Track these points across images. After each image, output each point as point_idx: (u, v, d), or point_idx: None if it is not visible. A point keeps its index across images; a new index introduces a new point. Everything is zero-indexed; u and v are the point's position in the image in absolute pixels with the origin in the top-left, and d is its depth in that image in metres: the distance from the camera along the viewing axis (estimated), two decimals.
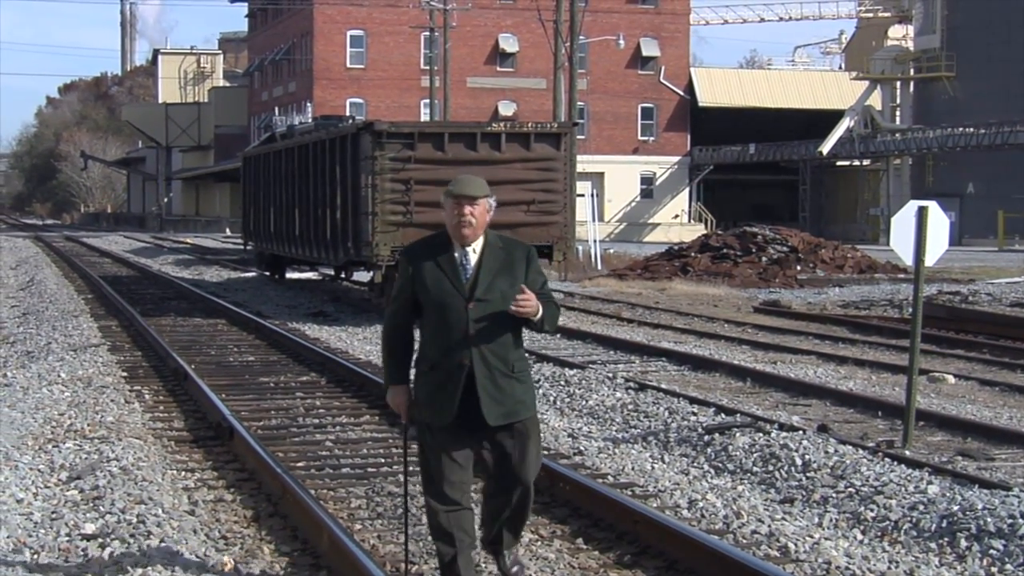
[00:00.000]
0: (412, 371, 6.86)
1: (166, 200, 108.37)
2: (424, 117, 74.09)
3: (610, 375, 15.54)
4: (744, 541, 8.39)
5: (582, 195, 41.82)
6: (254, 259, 38.34)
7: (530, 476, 6.76)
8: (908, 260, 11.82)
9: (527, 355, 7.02)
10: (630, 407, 13.30)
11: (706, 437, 11.53)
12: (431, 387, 6.66)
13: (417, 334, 6.83)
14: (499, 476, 6.76)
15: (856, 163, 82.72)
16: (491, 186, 22.55)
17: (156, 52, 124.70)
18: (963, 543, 8.29)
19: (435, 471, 6.67)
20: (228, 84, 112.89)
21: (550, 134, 23.31)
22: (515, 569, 7.07)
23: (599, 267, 40.66)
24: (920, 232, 11.55)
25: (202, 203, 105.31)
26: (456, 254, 6.63)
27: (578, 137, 55.81)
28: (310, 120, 47.86)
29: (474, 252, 6.63)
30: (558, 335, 20.25)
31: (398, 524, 8.86)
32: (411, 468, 7.95)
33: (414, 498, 8.65)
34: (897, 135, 75.07)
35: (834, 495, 9.57)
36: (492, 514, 6.94)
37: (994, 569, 7.91)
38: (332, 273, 32.46)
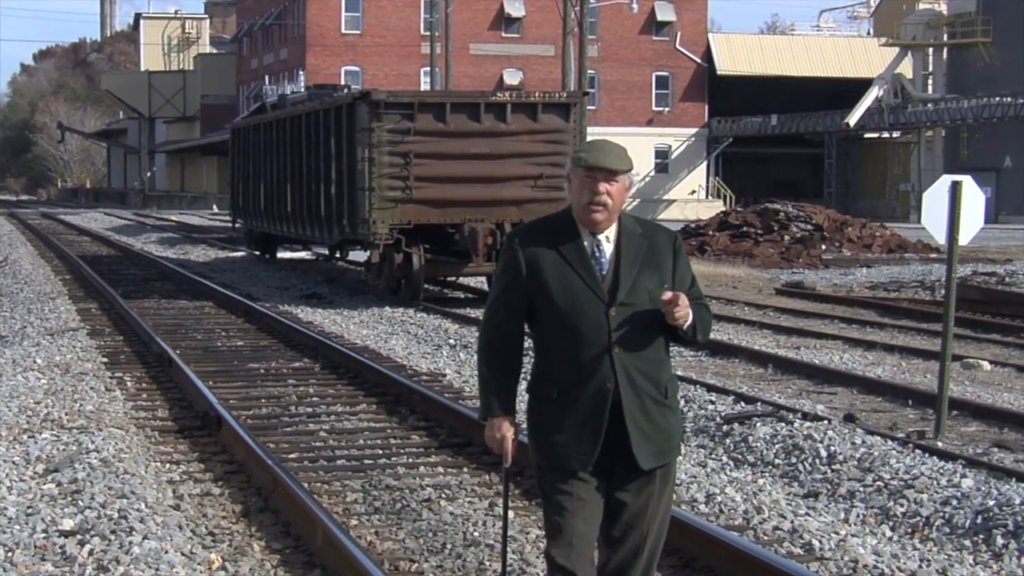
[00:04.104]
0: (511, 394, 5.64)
1: (149, 175, 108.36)
2: (424, 86, 73.96)
3: None
4: (765, 538, 8.39)
5: None
6: (243, 238, 38.36)
7: (660, 531, 5.55)
8: (940, 239, 11.81)
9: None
10: None
11: (725, 427, 11.53)
12: (563, 420, 5.40)
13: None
14: (623, 531, 5.51)
15: (885, 135, 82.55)
16: (495, 160, 22.52)
17: (138, 16, 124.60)
18: (999, 540, 8.29)
19: (566, 524, 5.40)
20: (215, 51, 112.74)
21: (559, 104, 23.28)
22: None
23: None
24: (953, 209, 11.53)
25: (188, 178, 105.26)
26: (586, 242, 5.42)
27: (588, 107, 55.35)
28: (303, 89, 47.80)
29: (608, 240, 5.44)
30: None
31: (396, 519, 8.88)
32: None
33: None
34: (929, 105, 74.88)
35: (861, 489, 9.57)
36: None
37: None
38: (326, 252, 32.46)
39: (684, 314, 5.32)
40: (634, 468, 5.41)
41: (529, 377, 5.53)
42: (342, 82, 65.44)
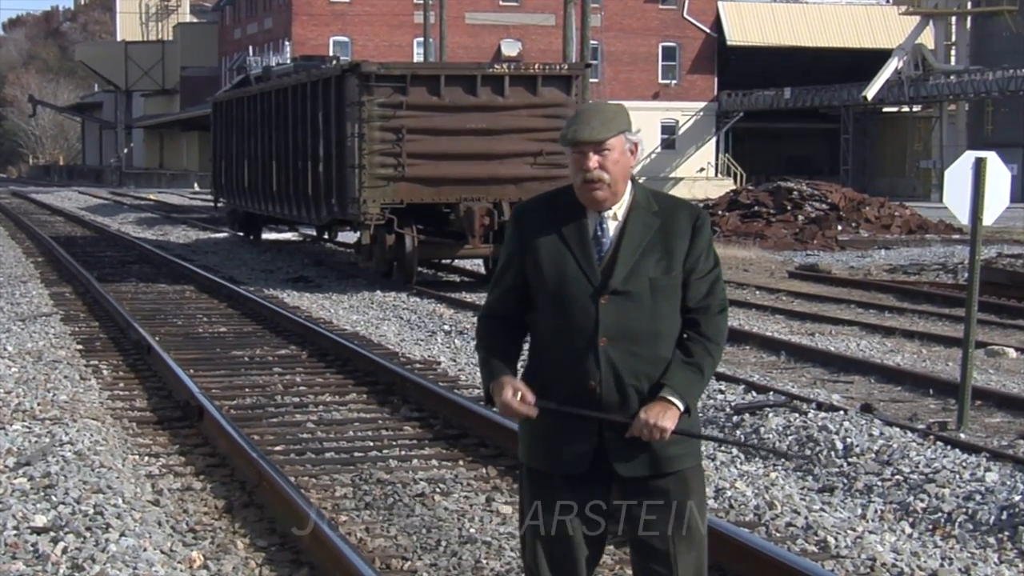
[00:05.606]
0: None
1: (126, 151, 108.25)
2: (417, 58, 73.90)
3: None
4: (778, 535, 8.40)
5: None
6: (226, 218, 38.37)
7: (689, 563, 5.08)
8: (963, 219, 11.79)
9: None
10: None
11: (735, 418, 11.54)
12: (546, 418, 5.04)
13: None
14: (643, 556, 5.11)
15: (905, 109, 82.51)
16: (492, 136, 22.51)
17: None
18: None
19: (542, 540, 5.11)
20: (196, 20, 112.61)
21: (559, 77, 23.27)
22: None
23: None
24: (977, 187, 11.51)
25: (167, 155, 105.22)
26: (589, 221, 5.08)
27: (591, 80, 55.24)
28: (289, 61, 47.74)
29: (615, 219, 5.09)
30: None
31: (388, 515, 8.88)
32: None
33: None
34: (952, 77, 74.82)
35: (879, 483, 9.57)
36: None
37: None
38: (314, 233, 32.46)
39: (655, 434, 4.95)
40: (623, 475, 5.05)
41: (522, 368, 5.21)
42: (330, 53, 65.43)
